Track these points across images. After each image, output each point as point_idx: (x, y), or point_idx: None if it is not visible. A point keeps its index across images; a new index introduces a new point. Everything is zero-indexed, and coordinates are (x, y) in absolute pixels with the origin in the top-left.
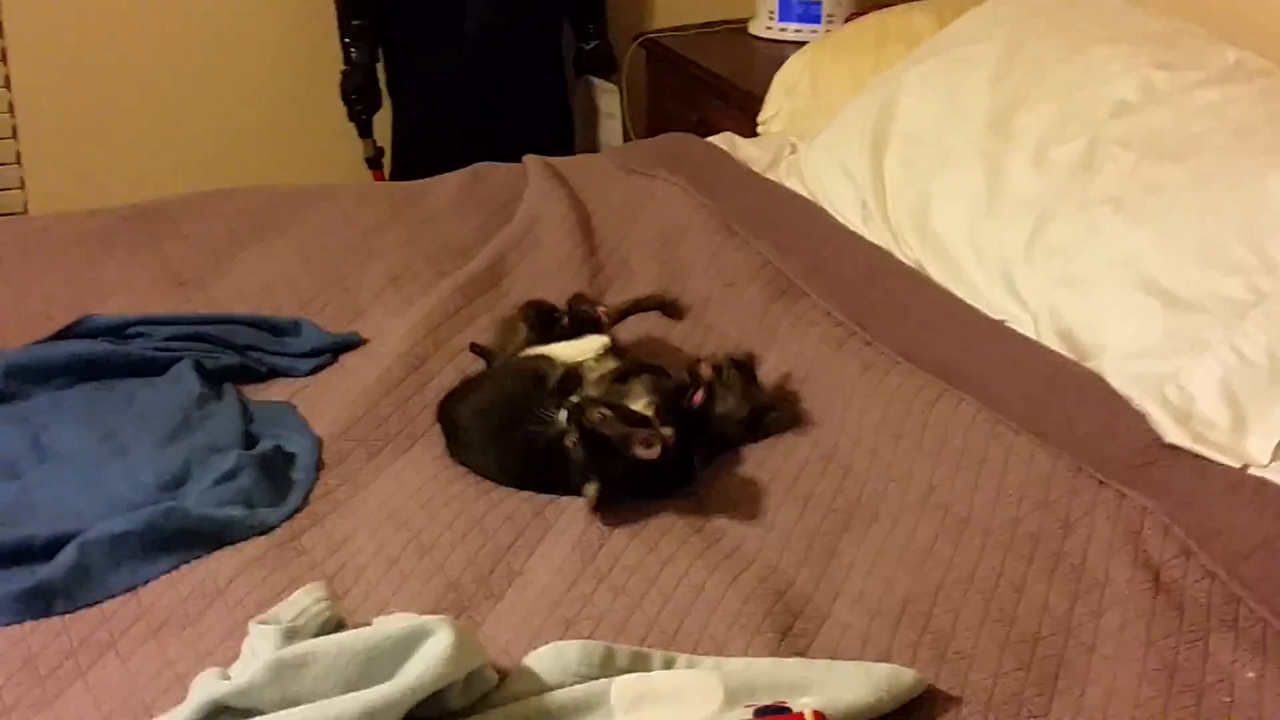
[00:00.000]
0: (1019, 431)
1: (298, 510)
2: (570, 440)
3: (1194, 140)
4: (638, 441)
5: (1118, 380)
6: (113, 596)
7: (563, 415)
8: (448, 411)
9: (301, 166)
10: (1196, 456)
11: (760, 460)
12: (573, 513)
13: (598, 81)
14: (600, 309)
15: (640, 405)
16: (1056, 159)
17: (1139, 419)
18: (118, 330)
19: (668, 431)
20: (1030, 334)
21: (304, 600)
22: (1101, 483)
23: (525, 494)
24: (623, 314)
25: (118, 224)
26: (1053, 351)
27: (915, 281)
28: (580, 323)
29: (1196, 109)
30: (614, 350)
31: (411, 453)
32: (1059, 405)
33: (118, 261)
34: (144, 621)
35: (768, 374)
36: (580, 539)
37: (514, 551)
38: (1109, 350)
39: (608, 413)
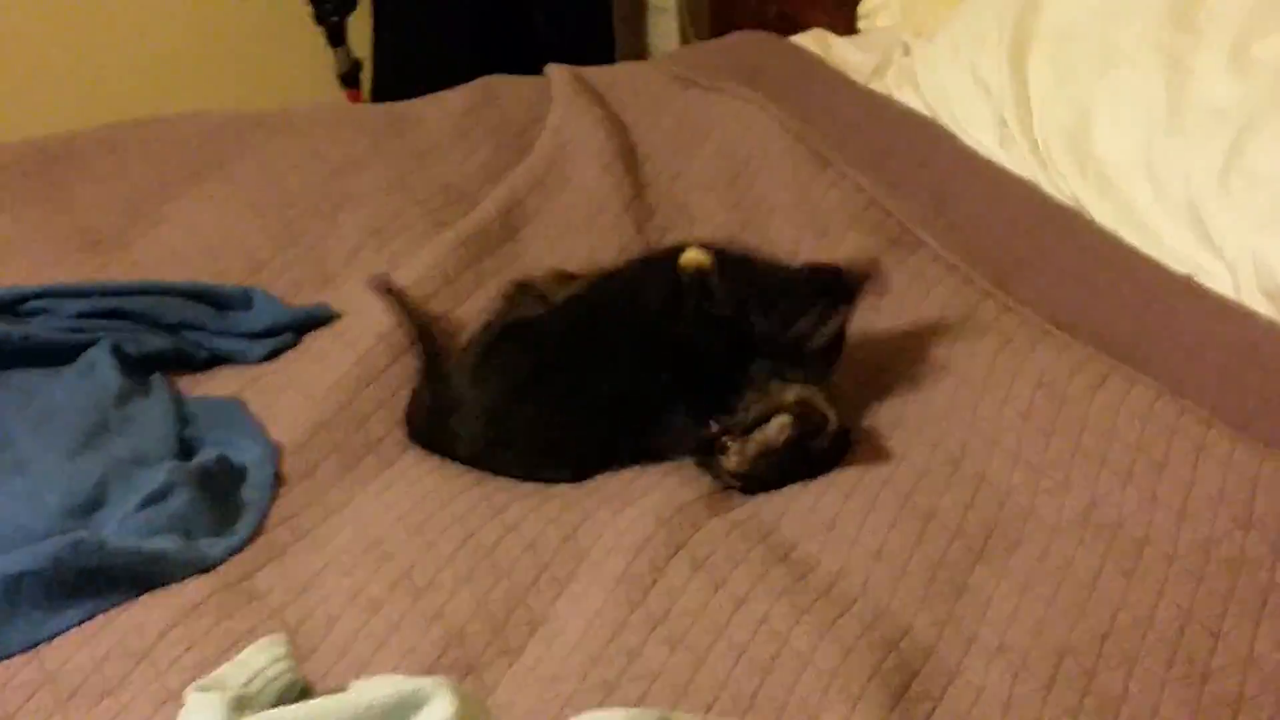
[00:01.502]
0: (1212, 424)
1: (250, 541)
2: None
3: None
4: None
5: None
6: (8, 657)
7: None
8: (457, 390)
9: (253, 85)
10: None
11: (866, 464)
12: (614, 537)
13: None
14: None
15: None
16: (1260, 57)
17: None
18: (10, 306)
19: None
20: (1227, 292)
21: (258, 659)
22: None
23: (551, 514)
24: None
25: (12, 165)
26: (1257, 315)
27: (1071, 224)
28: None
29: None
30: None
31: (400, 463)
32: (1266, 388)
33: (11, 215)
34: (48, 691)
35: (873, 350)
36: (625, 572)
37: (537, 591)
38: None
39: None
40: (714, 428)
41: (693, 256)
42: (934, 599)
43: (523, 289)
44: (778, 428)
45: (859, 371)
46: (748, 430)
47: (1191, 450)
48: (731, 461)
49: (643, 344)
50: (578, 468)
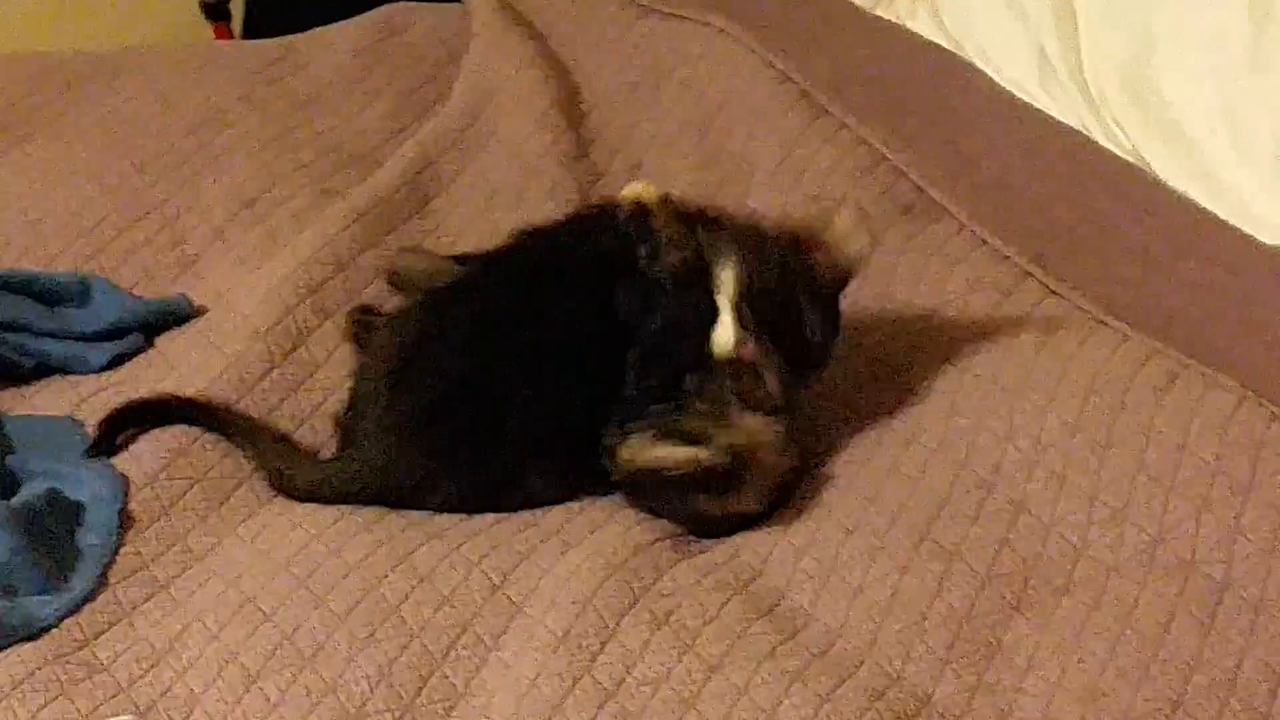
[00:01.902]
0: None
1: (89, 598)
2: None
3: None
4: None
5: None
6: None
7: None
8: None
9: (91, 19)
10: None
11: (872, 491)
12: (554, 587)
13: None
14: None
15: None
16: None
17: None
18: None
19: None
20: None
21: None
22: None
23: (472, 559)
24: None
25: None
26: None
27: (1130, 184)
28: None
29: None
30: None
31: (281, 499)
32: None
33: None
34: None
35: (881, 345)
36: (568, 632)
37: (456, 657)
38: None
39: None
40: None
41: (634, 189)
42: (959, 661)
43: (364, 320)
44: (684, 458)
45: (863, 372)
46: (661, 431)
47: None
48: (619, 450)
49: (591, 318)
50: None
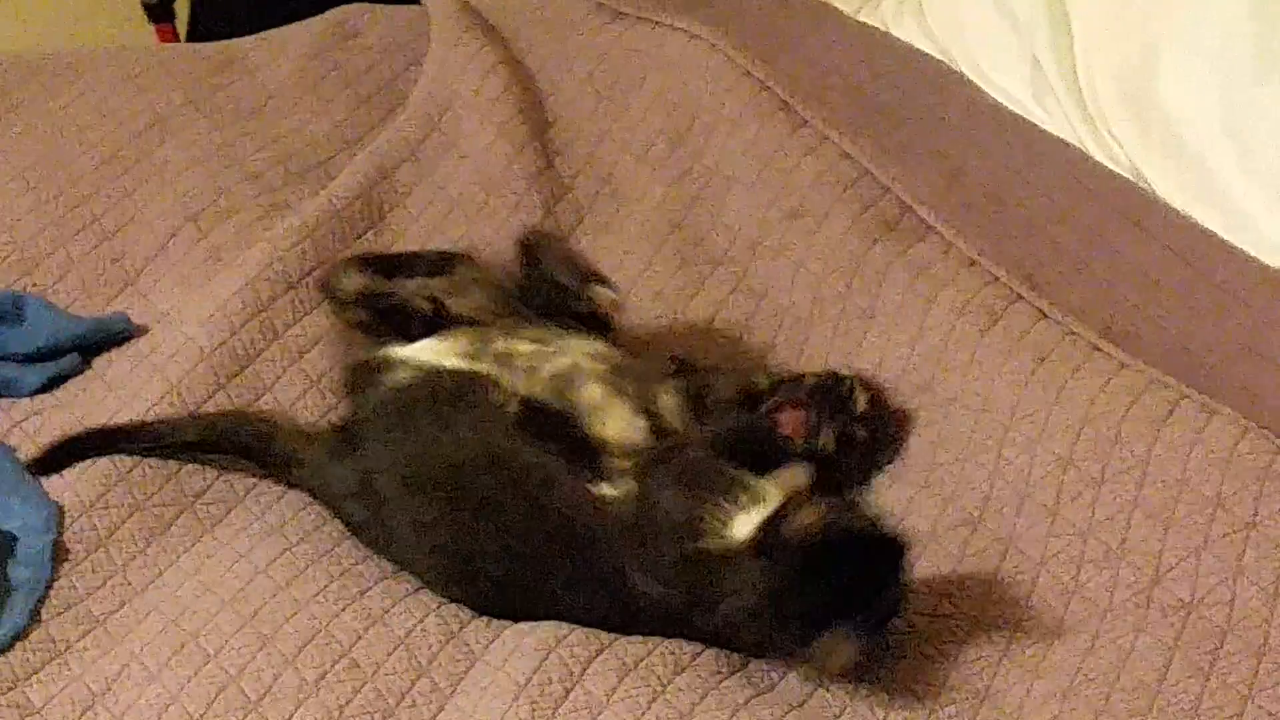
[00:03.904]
0: None
1: (19, 636)
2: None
3: None
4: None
5: None
6: None
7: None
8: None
9: (26, 21)
10: None
11: None
12: (516, 634)
13: None
14: (607, 295)
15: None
16: None
17: None
18: None
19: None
20: None
21: None
22: None
23: (430, 602)
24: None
25: None
26: None
27: (1129, 201)
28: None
29: None
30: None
31: (226, 527)
32: None
33: None
34: None
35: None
36: (530, 680)
37: (410, 704)
38: None
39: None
40: None
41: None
42: (945, 710)
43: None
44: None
45: None
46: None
47: None
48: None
49: None
50: None
